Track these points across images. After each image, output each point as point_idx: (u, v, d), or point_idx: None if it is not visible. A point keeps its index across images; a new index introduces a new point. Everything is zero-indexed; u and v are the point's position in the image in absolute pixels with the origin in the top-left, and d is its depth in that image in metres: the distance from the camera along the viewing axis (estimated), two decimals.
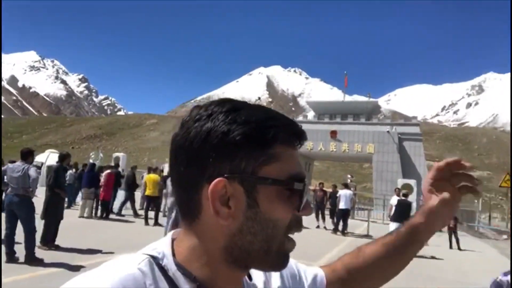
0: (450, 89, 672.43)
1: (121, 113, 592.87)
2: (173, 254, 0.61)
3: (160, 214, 12.27)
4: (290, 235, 0.60)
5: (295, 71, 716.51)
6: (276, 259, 0.60)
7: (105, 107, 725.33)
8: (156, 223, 11.40)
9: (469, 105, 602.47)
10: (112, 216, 12.58)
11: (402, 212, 10.67)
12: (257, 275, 0.72)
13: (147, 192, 12.01)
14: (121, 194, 14.05)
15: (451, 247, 12.59)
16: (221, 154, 0.57)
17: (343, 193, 13.67)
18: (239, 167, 0.57)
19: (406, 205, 10.83)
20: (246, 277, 0.69)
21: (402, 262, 0.87)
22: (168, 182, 9.27)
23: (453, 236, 12.80)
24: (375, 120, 36.16)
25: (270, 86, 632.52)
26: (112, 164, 19.94)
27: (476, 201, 21.98)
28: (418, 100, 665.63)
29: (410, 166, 31.39)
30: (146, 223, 11.41)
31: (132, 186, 13.70)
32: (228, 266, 0.60)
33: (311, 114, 43.56)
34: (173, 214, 8.79)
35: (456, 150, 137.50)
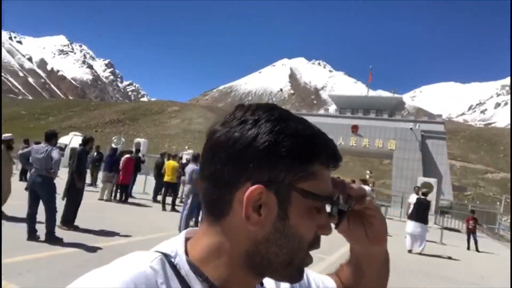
0: (479, 88, 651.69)
1: (144, 99, 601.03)
2: (186, 253, 0.61)
3: (177, 201, 12.52)
4: (309, 251, 0.61)
5: (319, 63, 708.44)
6: (294, 272, 0.61)
7: (129, 93, 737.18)
8: (173, 209, 11.65)
9: (497, 105, 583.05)
10: (130, 200, 12.86)
11: (420, 211, 10.52)
12: (268, 282, 0.72)
13: (166, 178, 12.28)
14: (141, 179, 14.37)
15: (469, 248, 12.34)
16: (263, 161, 0.58)
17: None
18: (277, 178, 0.58)
19: (425, 204, 10.65)
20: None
21: (374, 282, 0.83)
22: (187, 169, 9.36)
23: (471, 237, 12.54)
24: (399, 116, 35.50)
25: (293, 78, 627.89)
26: (133, 149, 20.36)
27: (498, 203, 21.41)
28: (445, 98, 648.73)
29: (431, 164, 30.78)
30: (164, 208, 11.64)
31: (162, 173, 13.00)
32: (246, 271, 0.61)
33: (332, 108, 43.12)
34: (189, 201, 8.96)
35: (481, 151, 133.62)
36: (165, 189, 12.38)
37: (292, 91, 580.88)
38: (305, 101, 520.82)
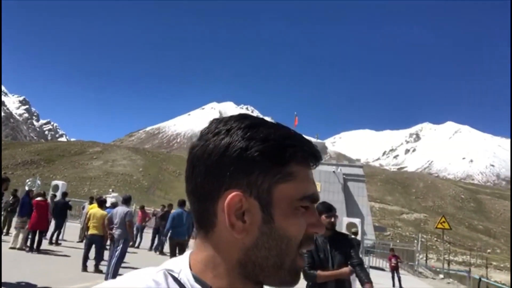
0: (390, 136, 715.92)
1: (63, 139, 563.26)
2: (190, 267, 0.62)
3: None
4: (303, 251, 0.61)
5: (247, 108, 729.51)
6: (288, 275, 0.61)
7: (46, 132, 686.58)
8: (97, 269, 8.99)
9: (407, 151, 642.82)
10: (49, 247, 11.63)
11: None
12: None
13: (91, 231, 9.40)
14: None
15: (394, 285, 12.95)
16: (239, 168, 0.59)
17: None
18: (255, 183, 0.59)
19: (357, 244, 11.08)
20: None
21: None
22: (118, 211, 8.76)
23: (395, 274, 13.20)
24: (322, 160, 37.37)
25: None
26: (50, 192, 18.71)
27: (415, 241, 23.01)
28: (361, 144, 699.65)
29: (354, 205, 32.44)
30: (84, 269, 8.87)
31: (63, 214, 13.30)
32: (242, 280, 0.61)
33: None
34: (119, 247, 8.32)
35: (396, 193, 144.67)
36: (89, 243, 9.35)
37: None
38: None
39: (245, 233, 0.60)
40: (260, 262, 0.60)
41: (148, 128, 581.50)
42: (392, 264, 13.45)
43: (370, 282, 3.51)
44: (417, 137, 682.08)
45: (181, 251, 9.67)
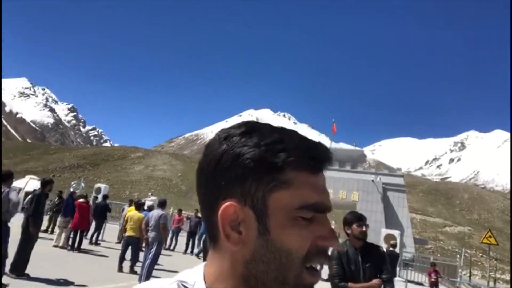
0: (434, 144, 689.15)
1: (107, 144, 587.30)
2: (204, 279, 0.62)
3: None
4: (314, 266, 0.56)
5: (284, 115, 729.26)
6: None
7: (91, 138, 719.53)
8: (132, 270, 9.25)
9: (451, 160, 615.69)
10: (89, 247, 12.13)
11: (389, 263, 10.57)
12: None
13: (129, 233, 9.64)
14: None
15: None
16: (233, 177, 0.57)
17: None
18: (249, 191, 0.56)
19: (394, 257, 10.71)
20: None
21: None
22: (154, 215, 8.99)
23: None
24: (361, 168, 36.54)
25: None
26: (93, 194, 19.54)
27: (458, 256, 21.88)
28: (402, 153, 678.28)
29: (393, 216, 31.41)
30: (120, 269, 9.17)
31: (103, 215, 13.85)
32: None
33: None
34: (153, 249, 8.54)
35: (439, 204, 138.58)
36: (126, 245, 9.59)
37: None
38: None
39: (241, 245, 0.58)
40: (260, 276, 0.57)
41: (187, 135, 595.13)
42: (432, 280, 12.90)
43: None
44: (462, 146, 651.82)
45: None
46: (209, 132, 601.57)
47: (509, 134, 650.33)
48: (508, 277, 52.16)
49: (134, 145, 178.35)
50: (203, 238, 9.95)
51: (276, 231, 0.56)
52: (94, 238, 13.35)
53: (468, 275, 26.86)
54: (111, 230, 15.54)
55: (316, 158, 0.58)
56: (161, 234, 8.62)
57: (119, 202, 25.95)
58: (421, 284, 17.28)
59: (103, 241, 14.24)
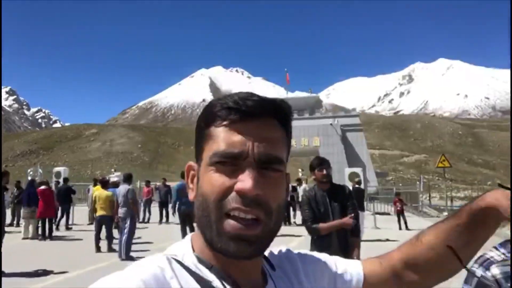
0: (384, 80, 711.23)
1: (57, 125, 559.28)
2: (193, 249, 0.64)
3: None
4: (235, 214, 0.57)
5: (237, 70, 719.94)
6: (217, 237, 0.58)
7: (39, 120, 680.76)
8: (110, 248, 9.17)
9: (401, 94, 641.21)
10: (60, 233, 11.85)
11: (357, 200, 11.16)
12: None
13: (99, 212, 9.49)
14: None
15: (400, 228, 13.30)
16: (196, 138, 0.66)
17: (302, 188, 14.34)
18: (196, 148, 0.65)
19: (361, 193, 11.29)
20: (269, 266, 0.70)
21: (468, 250, 0.74)
22: (120, 190, 8.84)
23: (401, 218, 13.54)
24: (318, 114, 37.35)
25: (213, 87, 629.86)
26: (54, 179, 18.79)
27: (418, 182, 23.44)
28: (355, 93, 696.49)
29: (354, 155, 32.74)
30: (98, 250, 9.11)
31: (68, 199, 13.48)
32: (213, 250, 0.61)
33: None
34: (127, 225, 8.46)
35: (394, 137, 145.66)
36: (99, 225, 9.48)
37: None
38: None
39: (192, 193, 0.64)
40: (202, 225, 0.60)
41: (140, 103, 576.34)
42: (398, 208, 13.75)
43: (357, 236, 3.68)
44: (410, 79, 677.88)
45: (190, 222, 9.84)
46: (163, 98, 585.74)
47: (451, 61, 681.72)
48: (462, 194, 56.97)
49: (87, 122, 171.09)
50: (177, 206, 9.98)
51: (201, 178, 0.61)
52: (63, 223, 13.05)
53: (428, 198, 28.96)
54: (80, 212, 15.19)
55: (233, 107, 0.60)
56: (132, 209, 8.54)
57: (83, 183, 25.19)
58: (388, 214, 18.45)
59: (74, 224, 13.94)
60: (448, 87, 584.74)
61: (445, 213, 20.05)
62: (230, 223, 0.56)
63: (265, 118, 0.61)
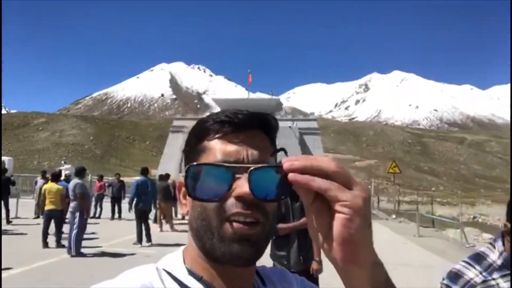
0: (341, 88, 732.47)
1: (3, 112, 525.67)
2: (184, 261, 0.65)
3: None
4: (235, 218, 0.58)
5: (199, 68, 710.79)
6: (224, 244, 0.58)
7: None
8: (59, 244, 8.75)
9: (357, 102, 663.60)
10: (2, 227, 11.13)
11: None
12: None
13: (49, 206, 9.04)
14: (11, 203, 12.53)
15: None
16: (187, 153, 0.67)
17: None
18: (189, 162, 0.63)
19: None
20: (260, 280, 0.70)
21: None
22: (70, 185, 8.51)
23: None
24: (278, 116, 37.90)
25: (173, 83, 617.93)
26: None
27: (369, 186, 24.40)
28: (314, 98, 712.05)
29: None
30: (46, 245, 8.68)
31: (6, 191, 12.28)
32: (209, 262, 0.62)
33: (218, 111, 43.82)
34: (76, 219, 8.11)
35: (348, 142, 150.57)
36: (47, 219, 9.05)
37: (174, 96, 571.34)
38: (189, 105, 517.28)
39: (185, 208, 0.65)
40: (201, 235, 0.61)
41: (95, 94, 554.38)
42: None
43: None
44: (366, 88, 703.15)
45: (145, 219, 9.66)
46: (120, 90, 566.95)
47: (405, 73, 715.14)
48: (408, 199, 59.82)
49: (35, 111, 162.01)
50: (134, 202, 9.79)
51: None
52: (5, 216, 12.26)
53: (377, 202, 30.18)
54: (25, 206, 14.40)
55: (223, 120, 0.62)
56: (81, 204, 8.22)
57: (28, 175, 23.89)
58: None
59: (18, 218, 13.19)
60: (401, 98, 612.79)
61: (393, 216, 21.06)
62: (233, 226, 0.58)
63: (255, 130, 0.64)
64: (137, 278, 0.58)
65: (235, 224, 0.58)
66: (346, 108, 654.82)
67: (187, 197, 0.63)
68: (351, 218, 0.45)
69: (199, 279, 0.61)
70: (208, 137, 0.62)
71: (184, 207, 0.66)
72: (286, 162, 0.49)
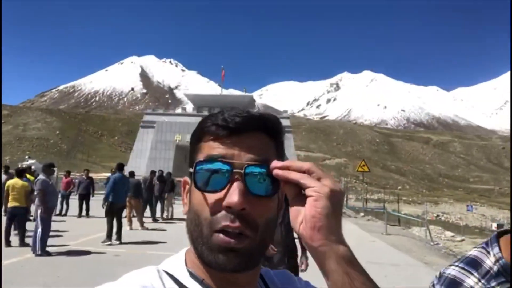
0: (313, 86, 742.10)
1: None
2: (186, 263, 0.65)
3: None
4: (224, 229, 0.57)
5: (170, 62, 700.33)
6: (211, 253, 0.58)
7: None
8: (23, 243, 8.40)
9: (328, 100, 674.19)
10: None
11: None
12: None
13: (12, 203, 8.63)
14: None
15: None
16: (190, 155, 0.67)
17: None
18: (190, 163, 0.64)
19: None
20: (263, 284, 0.70)
21: None
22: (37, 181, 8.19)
23: None
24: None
25: (144, 76, 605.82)
26: None
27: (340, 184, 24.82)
28: (287, 95, 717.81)
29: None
30: (8, 244, 8.33)
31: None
32: (205, 265, 0.61)
33: (190, 107, 43.30)
34: (39, 219, 7.80)
35: (319, 141, 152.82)
36: (10, 217, 8.68)
37: (144, 90, 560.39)
38: (159, 100, 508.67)
39: (186, 209, 0.65)
40: (194, 239, 0.61)
41: (61, 87, 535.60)
42: None
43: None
44: (337, 87, 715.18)
45: (119, 216, 9.50)
46: (88, 83, 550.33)
47: (375, 74, 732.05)
48: (376, 197, 61.49)
49: None
50: (110, 197, 9.63)
51: (192, 193, 0.63)
52: None
53: (345, 200, 30.84)
54: None
55: (220, 123, 0.62)
56: (43, 201, 7.89)
57: None
58: None
59: None
60: (370, 97, 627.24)
61: (361, 214, 21.57)
62: (220, 237, 0.57)
63: (252, 132, 0.63)
64: (137, 280, 0.58)
65: (222, 236, 0.57)
66: (318, 107, 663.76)
67: (187, 197, 0.64)
68: (317, 199, 0.54)
69: (200, 282, 0.61)
70: (204, 138, 0.63)
71: (185, 206, 0.66)
72: (273, 162, 0.59)
